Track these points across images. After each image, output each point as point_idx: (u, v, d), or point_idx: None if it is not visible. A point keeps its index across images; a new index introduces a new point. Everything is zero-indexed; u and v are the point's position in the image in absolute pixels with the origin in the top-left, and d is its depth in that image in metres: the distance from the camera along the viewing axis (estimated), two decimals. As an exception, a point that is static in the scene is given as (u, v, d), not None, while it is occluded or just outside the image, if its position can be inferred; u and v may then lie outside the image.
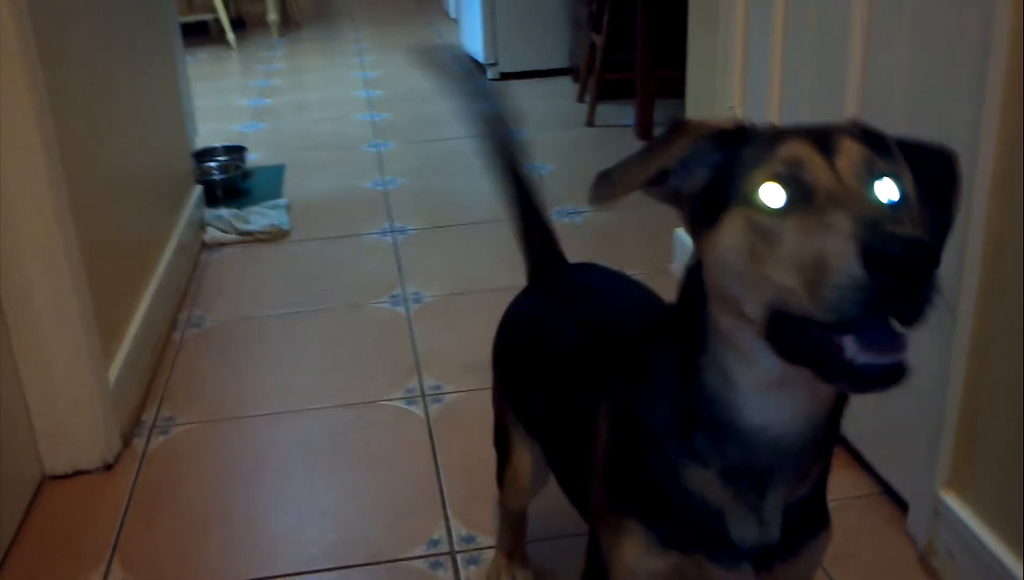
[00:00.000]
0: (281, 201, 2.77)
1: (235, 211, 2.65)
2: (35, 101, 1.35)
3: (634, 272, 2.19)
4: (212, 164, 3.02)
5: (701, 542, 0.80)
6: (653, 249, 2.33)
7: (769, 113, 1.63)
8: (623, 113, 3.63)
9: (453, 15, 6.09)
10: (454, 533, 1.40)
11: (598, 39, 3.47)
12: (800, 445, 0.75)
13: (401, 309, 2.10)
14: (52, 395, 1.51)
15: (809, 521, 0.82)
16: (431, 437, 1.63)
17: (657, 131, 3.32)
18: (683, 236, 2.13)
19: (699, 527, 0.79)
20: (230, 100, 4.23)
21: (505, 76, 4.36)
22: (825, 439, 0.77)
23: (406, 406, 1.73)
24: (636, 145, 3.32)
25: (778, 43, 1.58)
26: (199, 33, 6.23)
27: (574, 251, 2.33)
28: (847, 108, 1.38)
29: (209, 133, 3.61)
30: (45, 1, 1.43)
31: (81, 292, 1.49)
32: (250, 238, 2.53)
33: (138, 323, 1.81)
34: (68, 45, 1.54)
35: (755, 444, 0.74)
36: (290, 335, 2.01)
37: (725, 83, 1.77)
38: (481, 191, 2.83)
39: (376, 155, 3.26)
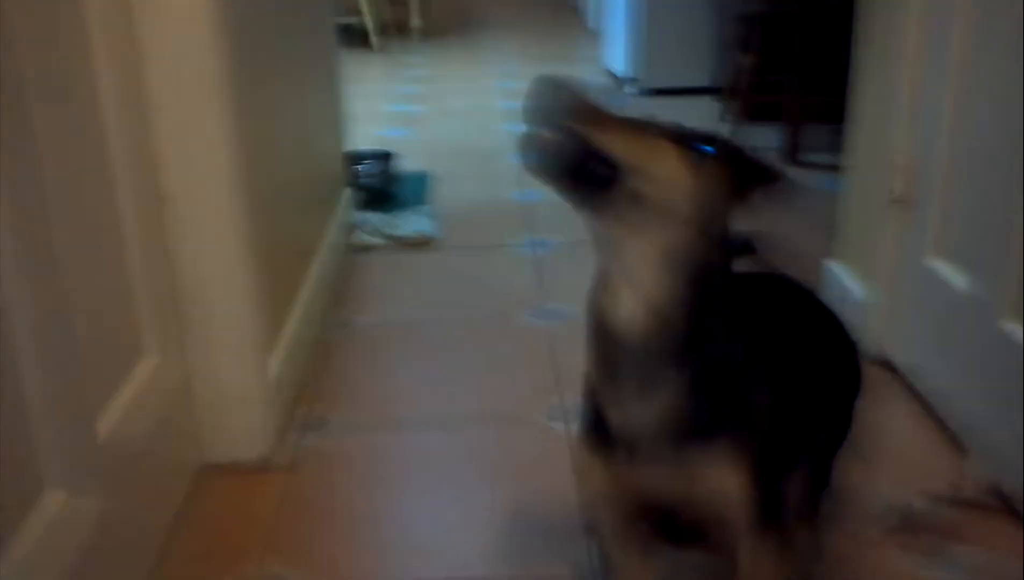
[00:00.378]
0: (427, 208, 2.83)
1: (383, 216, 2.72)
2: (221, 103, 1.42)
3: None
4: (360, 168, 3.11)
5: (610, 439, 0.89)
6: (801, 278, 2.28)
7: (940, 150, 1.58)
8: (768, 136, 3.57)
9: (593, 27, 6.11)
10: (597, 553, 1.40)
11: (747, 60, 3.43)
12: (639, 338, 0.85)
13: (543, 324, 2.12)
14: (217, 386, 1.58)
15: (700, 430, 0.86)
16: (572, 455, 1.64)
17: (804, 156, 3.26)
18: (832, 267, 2.09)
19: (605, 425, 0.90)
20: (374, 105, 4.34)
21: (646, 92, 4.34)
22: (677, 346, 0.84)
23: (548, 423, 1.75)
24: (782, 169, 3.25)
25: (953, 83, 1.54)
26: (345, 35, 6.43)
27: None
28: (1034, 153, 1.33)
29: (355, 137, 3.72)
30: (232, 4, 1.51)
31: (250, 289, 1.56)
32: (398, 243, 2.60)
33: (296, 320, 1.88)
34: (246, 46, 1.61)
35: (601, 332, 0.88)
36: (434, 342, 2.05)
37: (894, 118, 1.73)
38: (623, 209, 2.83)
39: (518, 166, 3.29)
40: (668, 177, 0.83)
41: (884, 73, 1.80)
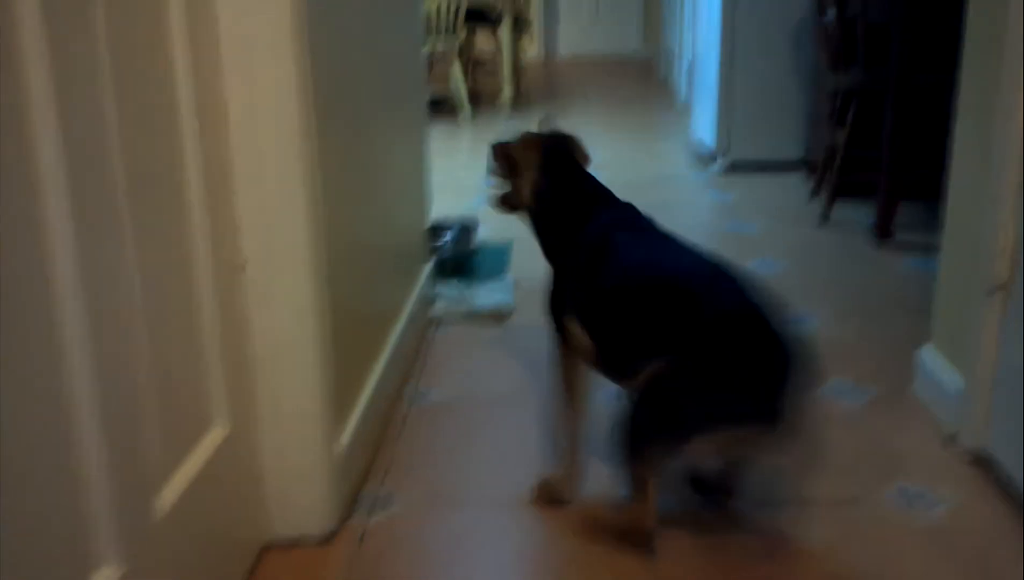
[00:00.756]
0: (507, 279, 2.81)
1: (463, 287, 2.71)
2: (304, 173, 1.42)
3: (870, 389, 2.07)
4: (444, 238, 3.12)
5: None
6: (892, 368, 2.18)
7: (1048, 238, 1.49)
8: (860, 213, 3.48)
9: (684, 99, 6.10)
10: None
11: (840, 134, 3.35)
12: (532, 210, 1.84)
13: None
14: (284, 459, 1.56)
15: None
16: (647, 547, 1.57)
17: (897, 235, 3.16)
18: (927, 355, 1.98)
19: None
20: (461, 175, 4.38)
21: (735, 166, 4.29)
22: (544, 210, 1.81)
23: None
24: (873, 249, 3.17)
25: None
26: (435, 106, 6.56)
27: (806, 360, 2.22)
28: None
29: (441, 207, 3.74)
30: (325, 71, 1.52)
31: (324, 359, 1.54)
32: (475, 316, 2.58)
33: (369, 393, 1.86)
34: (333, 115, 1.62)
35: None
36: (507, 421, 2.01)
37: (995, 197, 1.64)
38: (707, 285, 2.76)
39: (601, 239, 3.26)
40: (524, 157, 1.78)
41: (985, 151, 1.72)
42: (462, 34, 5.83)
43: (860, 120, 3.43)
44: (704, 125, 4.48)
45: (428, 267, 2.65)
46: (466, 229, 3.22)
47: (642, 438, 1.41)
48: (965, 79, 1.83)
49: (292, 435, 1.54)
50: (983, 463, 1.75)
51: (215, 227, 1.33)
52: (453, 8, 5.63)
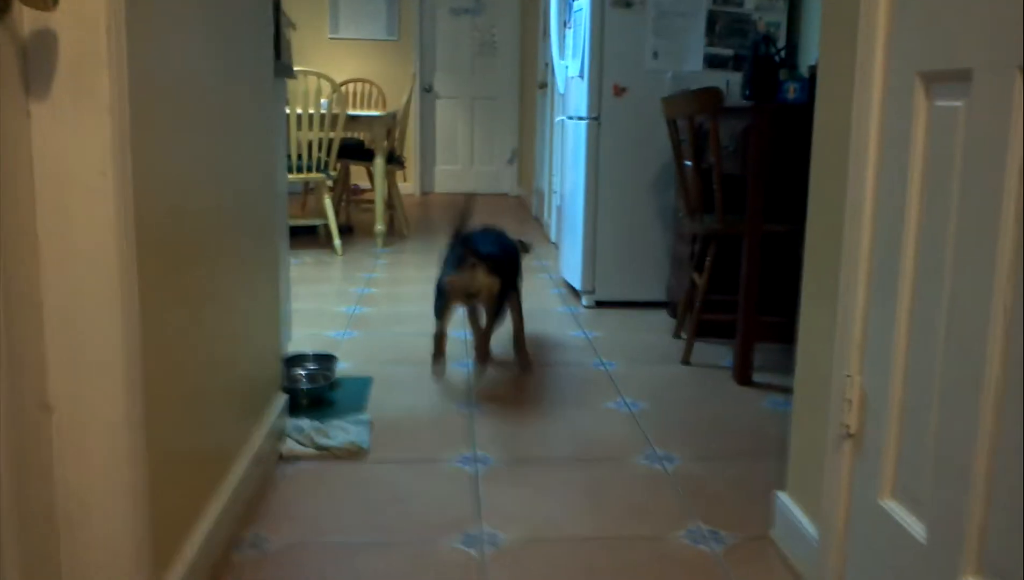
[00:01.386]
0: (363, 416, 2.70)
1: (316, 424, 2.58)
2: (119, 304, 1.31)
3: (729, 536, 2.03)
4: (301, 371, 2.99)
5: None
6: (750, 512, 2.15)
7: (892, 385, 1.50)
8: (721, 353, 3.53)
9: (554, 238, 6.20)
10: None
11: (699, 278, 3.42)
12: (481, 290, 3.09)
13: (475, 551, 1.95)
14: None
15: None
16: None
17: (756, 376, 3.20)
18: (784, 500, 1.96)
19: None
20: (328, 305, 4.29)
21: (600, 304, 4.33)
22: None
23: (469, 671, 1.55)
24: (733, 389, 3.21)
25: (903, 319, 1.48)
26: (308, 235, 6.48)
27: (665, 501, 2.18)
28: (984, 397, 1.25)
29: (302, 338, 3.63)
30: (154, 204, 1.43)
31: (137, 512, 1.40)
32: (327, 454, 2.45)
33: (197, 544, 1.71)
34: (169, 247, 1.53)
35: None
36: (351, 569, 1.87)
37: (842, 351, 1.66)
38: (570, 424, 2.72)
39: (465, 376, 3.20)
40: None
41: (831, 301, 1.75)
42: (334, 169, 5.83)
43: (718, 264, 3.53)
44: (571, 265, 4.54)
45: (281, 401, 2.52)
46: (325, 362, 3.10)
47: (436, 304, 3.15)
48: (810, 234, 1.88)
49: (101, 590, 1.38)
50: (839, 615, 1.72)
51: (16, 367, 1.20)
52: (326, 144, 5.64)
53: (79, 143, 1.21)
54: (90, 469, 1.32)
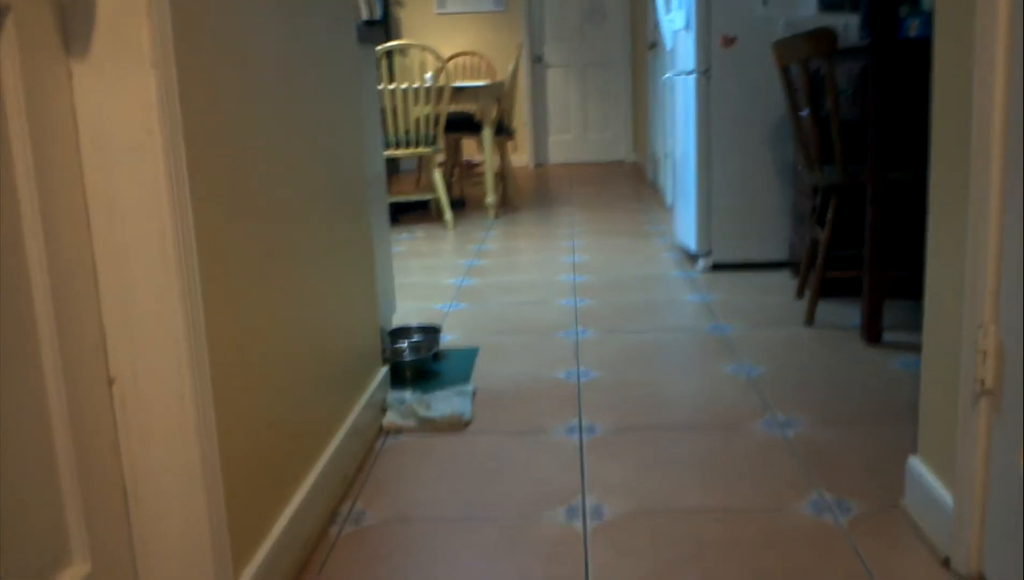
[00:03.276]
0: (468, 387, 2.63)
1: (419, 395, 2.53)
2: (182, 273, 1.26)
3: (856, 505, 1.87)
4: (404, 344, 2.95)
5: None
6: (879, 480, 1.98)
7: (1035, 335, 1.32)
8: (846, 313, 3.31)
9: (671, 202, 6.02)
10: None
11: (821, 234, 3.21)
12: None
13: (578, 525, 1.85)
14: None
15: None
16: None
17: (886, 335, 2.98)
18: (916, 466, 1.79)
19: None
20: (437, 278, 4.25)
21: (717, 267, 4.15)
22: None
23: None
24: (860, 350, 3.00)
25: (1049, 252, 1.29)
26: (421, 210, 6.48)
27: (784, 470, 2.03)
28: None
29: (410, 311, 3.60)
30: (219, 171, 1.37)
31: (211, 484, 1.35)
32: (429, 426, 2.39)
33: (288, 516, 1.67)
34: (240, 217, 1.47)
35: None
36: (450, 545, 1.80)
37: (974, 299, 1.48)
38: (682, 391, 2.58)
39: (573, 344, 3.09)
40: None
41: (960, 249, 1.56)
42: (442, 142, 5.79)
43: (842, 218, 3.31)
44: (685, 227, 4.37)
45: (382, 373, 2.48)
46: (429, 334, 3.05)
47: None
48: (935, 177, 1.69)
49: (174, 573, 1.34)
50: (981, 592, 1.55)
51: (73, 339, 1.16)
52: (432, 118, 5.60)
53: (123, 101, 1.15)
54: (155, 444, 1.28)
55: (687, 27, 4.12)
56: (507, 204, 6.68)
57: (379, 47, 5.40)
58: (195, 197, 1.28)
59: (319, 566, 1.74)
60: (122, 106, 1.15)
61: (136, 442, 1.27)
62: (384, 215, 3.06)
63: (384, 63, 5.37)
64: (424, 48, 5.45)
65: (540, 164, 9.86)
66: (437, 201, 5.92)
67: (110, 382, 1.25)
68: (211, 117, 1.36)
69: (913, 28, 3.14)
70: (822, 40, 2.88)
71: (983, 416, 1.48)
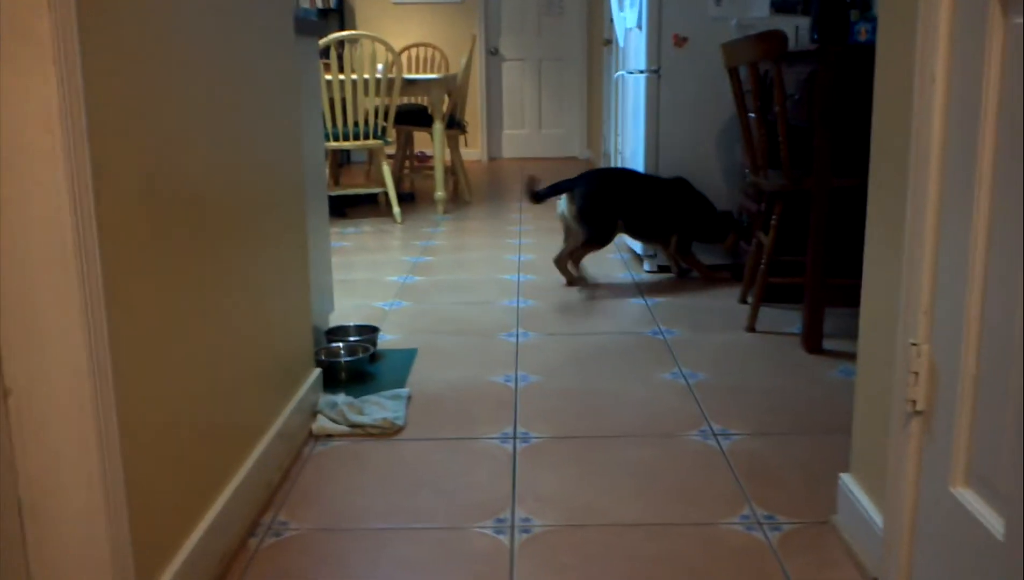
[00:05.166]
0: (403, 391, 2.57)
1: (351, 399, 2.46)
2: (83, 282, 1.19)
3: (788, 521, 1.84)
4: (340, 344, 2.88)
5: None
6: (813, 495, 1.96)
7: (964, 356, 1.29)
8: (789, 320, 3.31)
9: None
10: None
11: (764, 238, 3.20)
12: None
13: (505, 539, 1.80)
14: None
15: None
16: None
17: (827, 343, 2.98)
18: (848, 483, 1.77)
19: None
20: (381, 275, 4.17)
21: (663, 269, 4.13)
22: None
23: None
24: (801, 358, 2.97)
25: (977, 277, 1.26)
26: (370, 203, 6.39)
27: (719, 482, 2.00)
28: (1079, 370, 1.04)
29: (350, 309, 3.52)
30: (121, 168, 1.30)
31: (113, 502, 1.28)
32: (360, 432, 2.33)
33: (203, 529, 1.60)
34: (149, 219, 1.40)
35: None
36: (372, 557, 1.74)
37: (908, 317, 1.45)
38: (620, 398, 2.54)
39: (513, 346, 3.04)
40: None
41: (895, 262, 1.54)
42: (392, 135, 5.70)
43: (786, 224, 3.29)
44: (634, 227, 4.33)
45: (314, 375, 2.41)
46: (367, 334, 2.98)
47: None
48: (873, 189, 1.66)
49: (74, 589, 1.27)
50: (908, 614, 1.52)
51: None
52: (382, 110, 5.51)
53: (22, 98, 1.08)
54: (53, 458, 1.20)
55: (639, 25, 4.08)
56: (458, 199, 6.61)
57: (330, 37, 5.30)
58: (101, 200, 1.21)
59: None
60: (20, 105, 1.08)
61: (33, 456, 1.20)
62: (323, 210, 2.99)
63: (335, 54, 5.27)
64: (375, 39, 5.36)
65: (493, 158, 9.80)
66: (385, 195, 5.83)
67: (5, 395, 1.18)
68: (122, 115, 1.29)
69: (863, 33, 3.13)
70: (771, 43, 2.86)
71: (914, 438, 1.46)
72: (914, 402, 1.43)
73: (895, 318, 1.54)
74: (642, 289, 3.82)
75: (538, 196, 3.85)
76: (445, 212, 5.97)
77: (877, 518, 1.62)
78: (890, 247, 1.58)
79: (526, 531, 1.83)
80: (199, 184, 1.61)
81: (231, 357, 1.80)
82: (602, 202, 3.77)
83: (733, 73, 3.20)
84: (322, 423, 2.34)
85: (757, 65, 3.04)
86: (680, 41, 3.92)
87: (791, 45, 3.46)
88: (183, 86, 1.54)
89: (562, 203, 3.86)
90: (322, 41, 5.39)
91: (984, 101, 1.23)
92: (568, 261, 3.92)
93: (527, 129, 9.78)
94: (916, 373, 1.42)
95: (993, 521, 1.24)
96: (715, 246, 3.99)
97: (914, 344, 1.42)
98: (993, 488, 1.25)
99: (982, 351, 1.27)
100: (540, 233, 5.19)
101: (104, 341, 1.23)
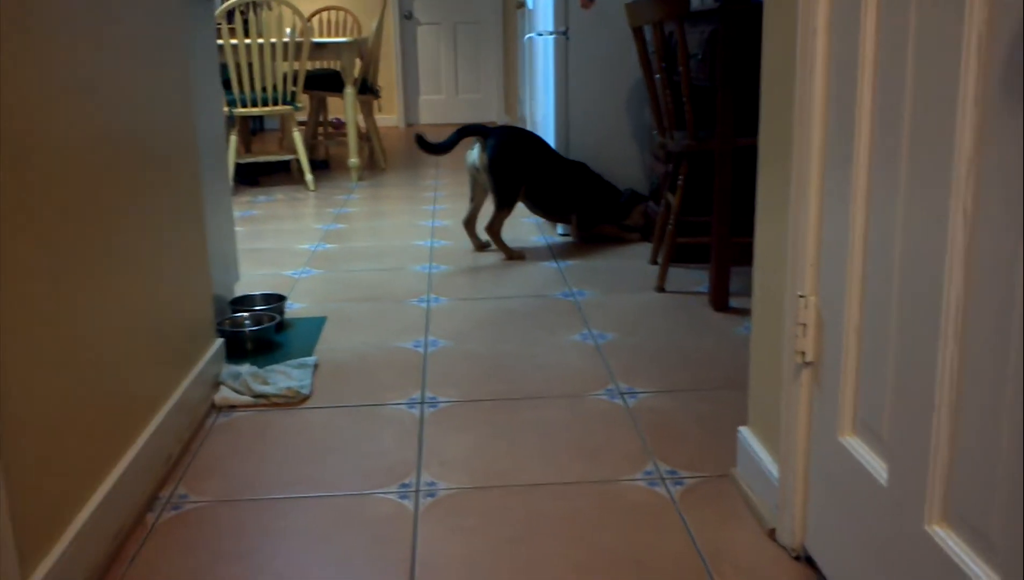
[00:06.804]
0: (310, 359, 2.53)
1: (255, 369, 2.41)
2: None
3: (689, 475, 1.87)
4: (246, 314, 2.82)
5: None
6: (715, 449, 1.99)
7: (848, 308, 1.32)
8: (698, 279, 3.35)
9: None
10: None
11: (672, 200, 3.22)
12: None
13: (409, 503, 1.79)
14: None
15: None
16: None
17: (733, 301, 3.02)
18: (747, 436, 1.80)
19: None
20: (291, 243, 4.10)
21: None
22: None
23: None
24: (708, 316, 3.01)
25: (858, 233, 1.28)
26: (283, 172, 6.26)
27: (623, 440, 2.01)
28: (945, 318, 1.06)
29: (258, 278, 3.45)
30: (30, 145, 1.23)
31: None
32: (265, 402, 2.29)
33: (95, 505, 1.55)
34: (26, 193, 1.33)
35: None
36: (276, 527, 1.71)
37: (795, 270, 1.47)
38: (529, 361, 2.54)
39: (424, 312, 3.02)
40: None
41: (784, 217, 1.56)
42: (302, 101, 5.58)
43: (693, 184, 3.32)
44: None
45: (215, 346, 2.35)
46: (274, 303, 2.93)
47: None
48: (763, 144, 1.68)
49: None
50: (805, 562, 1.56)
51: None
52: (291, 77, 5.39)
53: None
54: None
55: (547, -13, 4.05)
56: (373, 166, 6.53)
57: (232, 1, 5.15)
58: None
59: (131, 556, 1.63)
60: None
61: None
62: (225, 178, 2.91)
63: (240, 18, 5.12)
64: (283, 2, 5.23)
65: (411, 124, 9.69)
66: (298, 162, 5.72)
67: None
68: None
69: (764, -5, 3.15)
70: (673, 2, 2.86)
71: (804, 388, 1.48)
72: (803, 353, 1.46)
73: (784, 272, 1.56)
74: (555, 252, 3.83)
75: (440, 146, 3.72)
76: (360, 179, 5.89)
77: (773, 469, 1.65)
78: (780, 203, 1.60)
79: (430, 495, 1.82)
80: (72, 151, 1.55)
81: (117, 330, 1.74)
82: (513, 159, 3.70)
83: (638, 33, 3.20)
84: (224, 394, 2.29)
85: (661, 25, 3.04)
86: (587, 2, 3.91)
87: (694, 4, 3.47)
88: (50, 56, 1.47)
89: (474, 153, 3.75)
90: (227, 4, 5.23)
91: (862, 55, 1.24)
92: (481, 229, 3.89)
93: (444, 95, 9.68)
94: (804, 325, 1.44)
95: (879, 467, 1.27)
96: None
97: (801, 296, 1.44)
98: (878, 435, 1.28)
99: (865, 303, 1.29)
100: (455, 198, 5.15)
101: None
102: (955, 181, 1.02)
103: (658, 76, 3.14)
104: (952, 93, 1.02)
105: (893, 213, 1.19)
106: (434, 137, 3.88)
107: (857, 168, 1.27)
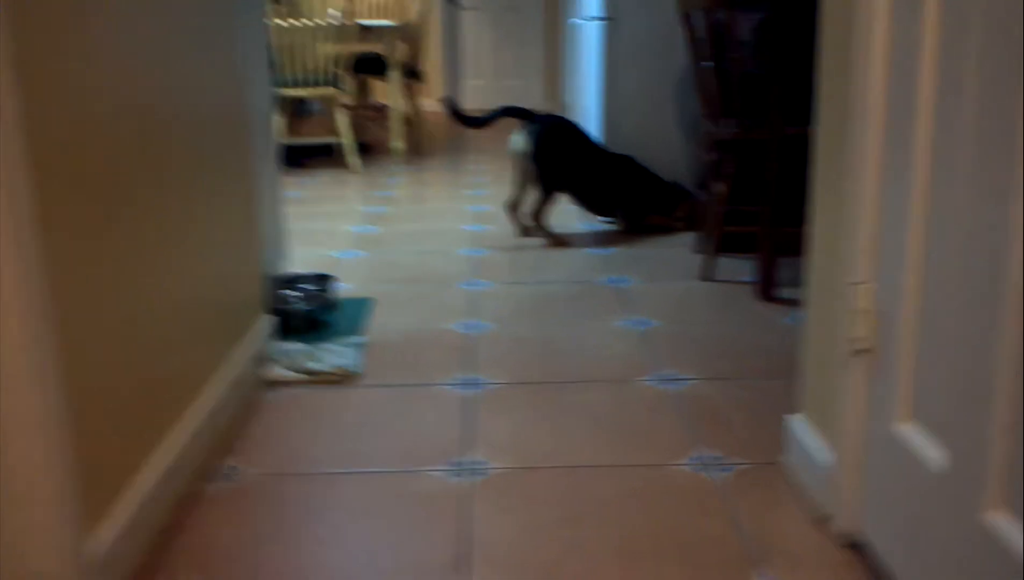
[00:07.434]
0: (359, 339, 2.56)
1: (306, 347, 2.45)
2: (13, 221, 1.16)
3: (738, 462, 1.87)
4: (295, 292, 2.85)
5: None
6: (762, 436, 1.99)
7: (906, 294, 1.31)
8: (744, 269, 3.33)
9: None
10: None
11: (719, 189, 3.21)
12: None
13: (458, 481, 1.81)
14: (15, 561, 1.27)
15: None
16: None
17: (780, 291, 3.01)
18: (796, 425, 1.80)
19: None
20: (337, 225, 4.14)
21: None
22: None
23: (439, 612, 1.43)
24: (754, 306, 2.98)
25: (919, 214, 1.28)
26: (327, 154, 6.31)
27: (668, 426, 2.02)
28: (1006, 305, 1.06)
29: (307, 258, 3.49)
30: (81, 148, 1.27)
31: (59, 445, 1.27)
32: (315, 379, 2.32)
33: (153, 476, 1.59)
34: (75, 171, 1.37)
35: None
36: (326, 501, 1.75)
37: (851, 257, 1.46)
38: (575, 345, 2.55)
39: (469, 294, 3.04)
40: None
41: (840, 205, 1.55)
42: (346, 85, 5.62)
43: (742, 173, 3.30)
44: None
45: (265, 323, 2.39)
46: (322, 283, 2.96)
47: None
48: (821, 132, 1.67)
49: (21, 528, 1.26)
50: (854, 547, 1.56)
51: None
52: (332, 60, 5.42)
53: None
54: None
55: (595, -27, 4.04)
56: (416, 150, 6.55)
57: (281, -18, 5.19)
58: (31, 152, 1.18)
59: (187, 524, 1.67)
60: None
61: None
62: (272, 158, 2.94)
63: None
64: (329, -15, 5.26)
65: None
66: (341, 145, 5.76)
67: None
68: (50, 62, 1.25)
69: (817, -18, 3.12)
70: (725, -10, 2.85)
71: (860, 375, 1.48)
72: (859, 340, 1.46)
73: (840, 260, 1.55)
74: (598, 239, 3.83)
75: (475, 120, 3.90)
76: (404, 163, 5.92)
77: (824, 457, 1.65)
78: (836, 190, 1.59)
79: (480, 474, 1.84)
80: (129, 136, 1.58)
81: (174, 305, 1.77)
82: (557, 149, 3.70)
83: (687, 19, 3.18)
84: (277, 371, 2.33)
85: (711, 11, 3.02)
86: (636, -13, 3.90)
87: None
88: (105, 31, 1.50)
89: (518, 139, 3.74)
90: (275, -13, 5.27)
91: (923, 38, 1.23)
92: (527, 216, 3.84)
93: (486, 80, 9.69)
94: (859, 311, 1.44)
95: (936, 455, 1.27)
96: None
97: (858, 283, 1.44)
98: (936, 423, 1.28)
99: (923, 289, 1.29)
100: (498, 184, 5.16)
101: (38, 288, 1.21)
102: (1022, 164, 1.02)
103: (707, 64, 3.12)
104: (1019, 71, 1.02)
105: (953, 198, 1.18)
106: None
107: (918, 154, 1.26)
